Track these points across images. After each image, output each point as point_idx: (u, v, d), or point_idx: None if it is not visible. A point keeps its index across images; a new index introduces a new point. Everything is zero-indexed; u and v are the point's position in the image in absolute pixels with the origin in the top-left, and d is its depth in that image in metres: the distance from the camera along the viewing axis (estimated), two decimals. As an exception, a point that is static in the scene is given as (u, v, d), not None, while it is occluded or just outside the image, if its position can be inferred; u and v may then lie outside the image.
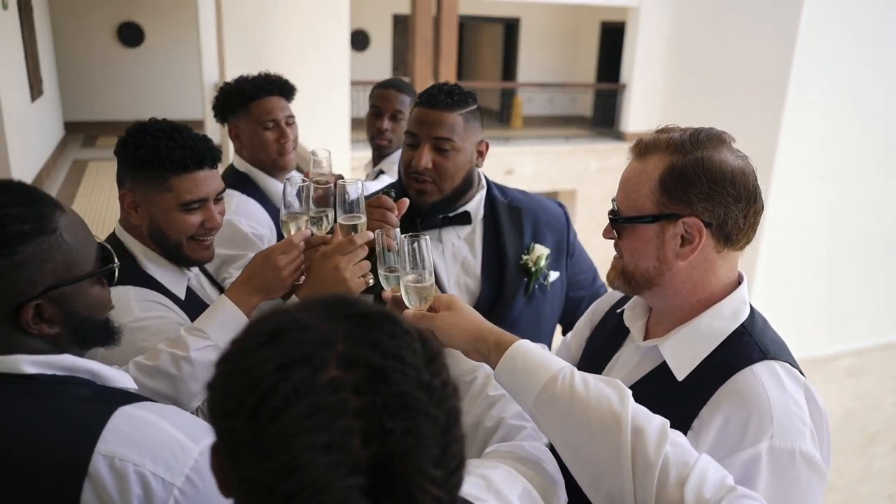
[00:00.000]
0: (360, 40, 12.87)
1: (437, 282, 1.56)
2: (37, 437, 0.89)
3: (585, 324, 1.41)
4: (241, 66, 5.39)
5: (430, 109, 1.51)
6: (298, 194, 1.38)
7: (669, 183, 1.06)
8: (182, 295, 1.48)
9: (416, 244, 1.12)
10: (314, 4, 5.34)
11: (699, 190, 1.04)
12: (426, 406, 0.58)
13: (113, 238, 1.48)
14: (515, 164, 10.86)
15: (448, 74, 10.57)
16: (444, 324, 1.09)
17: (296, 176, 1.44)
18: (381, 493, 0.55)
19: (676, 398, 1.07)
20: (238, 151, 2.14)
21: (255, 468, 0.55)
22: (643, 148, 1.12)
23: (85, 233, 0.99)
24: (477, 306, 1.57)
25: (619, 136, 11.45)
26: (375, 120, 2.47)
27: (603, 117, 11.75)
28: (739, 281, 1.13)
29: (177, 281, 1.48)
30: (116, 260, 1.04)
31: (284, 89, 2.12)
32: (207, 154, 1.40)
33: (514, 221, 1.63)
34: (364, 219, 1.32)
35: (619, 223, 1.12)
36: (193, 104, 10.28)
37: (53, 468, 0.87)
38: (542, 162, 11.09)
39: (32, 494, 0.87)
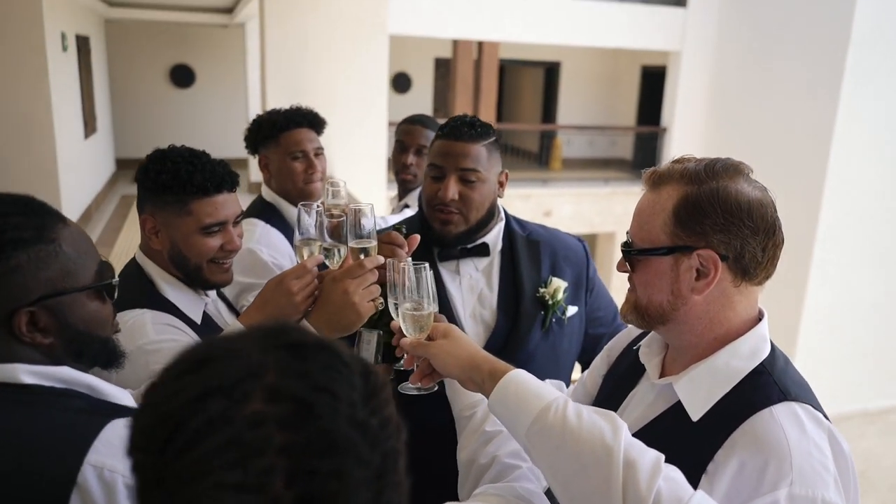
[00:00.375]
0: (401, 82, 13.14)
1: (453, 313, 1.54)
2: (29, 445, 0.89)
3: (602, 361, 1.37)
4: (281, 105, 5.55)
5: (454, 141, 1.52)
6: (314, 220, 1.39)
7: (683, 214, 1.03)
8: (198, 319, 1.49)
9: (419, 273, 1.11)
10: (355, 48, 5.48)
11: (714, 221, 1.00)
12: (357, 447, 0.54)
13: (134, 263, 1.50)
14: (554, 206, 10.84)
15: (487, 116, 10.70)
16: (439, 351, 1.08)
17: (312, 203, 1.46)
18: None
19: (691, 440, 1.02)
20: (266, 182, 2.18)
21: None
22: (657, 178, 1.09)
23: (86, 247, 1.00)
24: (492, 338, 1.56)
25: (660, 179, 11.32)
26: (400, 155, 2.48)
27: (643, 160, 11.67)
28: (760, 318, 1.08)
29: (194, 305, 1.49)
30: (117, 277, 1.04)
31: (314, 122, 2.16)
32: (226, 178, 1.42)
33: (532, 254, 1.61)
34: (374, 243, 1.31)
35: (633, 255, 1.09)
36: (239, 142, 10.57)
37: (43, 477, 0.87)
38: (582, 204, 11.04)
39: (22, 501, 0.86)
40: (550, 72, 14.01)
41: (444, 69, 13.08)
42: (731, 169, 1.05)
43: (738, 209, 1.00)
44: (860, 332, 8.94)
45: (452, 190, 1.50)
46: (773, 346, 1.07)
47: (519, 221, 1.67)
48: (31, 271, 0.93)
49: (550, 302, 1.56)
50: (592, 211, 11.11)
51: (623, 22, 10.50)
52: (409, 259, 1.18)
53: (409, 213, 2.41)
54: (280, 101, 5.62)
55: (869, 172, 8.61)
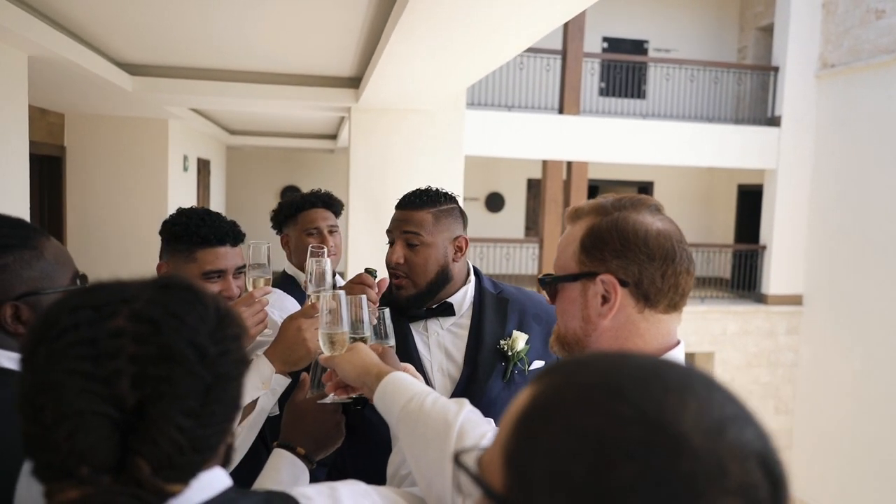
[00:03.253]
0: (495, 202, 13.61)
1: (423, 369, 1.62)
2: (4, 417, 1.02)
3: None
4: (364, 216, 5.92)
5: (401, 210, 1.65)
6: (264, 255, 1.58)
7: (588, 242, 1.09)
8: None
9: (332, 301, 1.24)
10: (434, 167, 5.84)
11: (612, 248, 1.06)
12: (190, 362, 0.65)
13: None
14: (646, 324, 10.54)
15: (577, 233, 10.79)
16: (341, 360, 1.22)
17: (260, 241, 1.65)
18: (132, 429, 0.63)
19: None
20: (288, 258, 2.39)
21: (24, 384, 0.65)
22: (574, 213, 1.17)
23: (65, 258, 1.18)
24: (456, 389, 1.61)
25: (761, 299, 10.85)
26: None
27: (742, 279, 11.27)
28: (676, 346, 1.09)
29: None
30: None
31: (329, 202, 2.39)
32: (229, 233, 1.63)
33: (499, 310, 1.66)
34: (330, 291, 1.44)
35: (546, 283, 1.15)
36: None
37: (14, 443, 0.98)
38: (676, 322, 10.67)
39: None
40: (643, 191, 14.09)
41: (536, 189, 13.48)
42: (638, 202, 1.12)
43: (634, 236, 1.06)
44: None
45: (397, 254, 1.60)
46: (687, 375, 1.08)
47: (493, 282, 1.75)
48: (16, 271, 1.09)
49: (510, 353, 1.60)
50: (689, 330, 10.69)
51: (716, 142, 10.55)
52: (338, 292, 1.30)
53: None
54: (361, 214, 6.04)
55: None
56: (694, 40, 12.68)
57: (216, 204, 10.55)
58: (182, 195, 7.74)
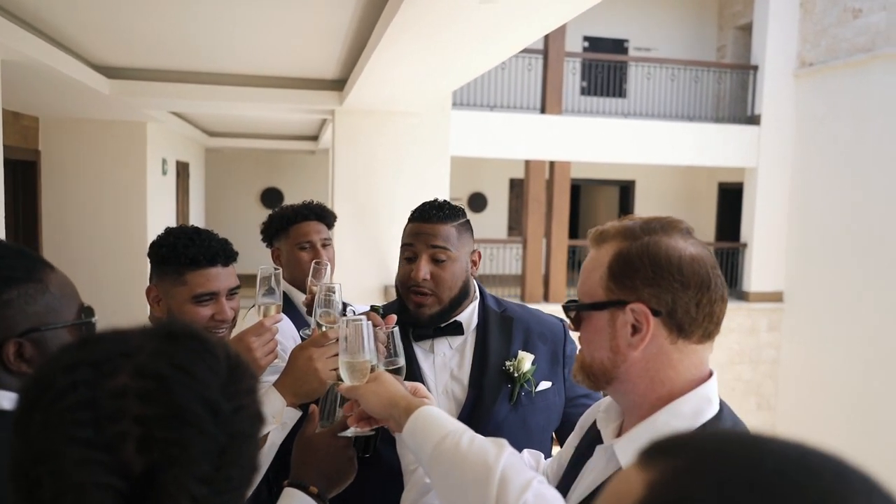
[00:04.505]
0: (478, 202, 13.57)
1: (427, 390, 1.55)
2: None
3: (575, 435, 1.33)
4: (350, 220, 5.84)
5: (424, 223, 1.57)
6: (275, 281, 1.49)
7: (616, 269, 1.03)
8: None
9: (353, 327, 1.17)
10: (420, 168, 5.76)
11: (644, 275, 1.01)
12: (203, 422, 0.58)
13: None
14: (630, 323, 10.57)
15: (560, 234, 10.80)
16: (366, 391, 1.15)
17: (269, 266, 1.56)
18: (140, 500, 0.56)
19: (631, 502, 0.97)
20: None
21: (17, 455, 0.58)
22: (599, 236, 1.11)
23: (70, 290, 1.10)
24: (462, 412, 1.55)
25: (742, 296, 10.93)
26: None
27: (724, 277, 11.32)
28: (708, 378, 1.04)
29: None
30: (96, 318, 1.14)
31: (322, 215, 2.30)
32: (220, 252, 1.54)
33: (504, 330, 1.61)
34: (345, 318, 1.37)
35: (570, 310, 1.09)
36: (319, 259, 11.11)
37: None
38: (659, 320, 10.71)
39: None
40: (625, 190, 14.13)
41: (518, 189, 13.46)
42: (668, 225, 1.06)
43: (667, 263, 1.00)
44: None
45: (424, 270, 1.53)
46: (722, 406, 1.03)
47: (496, 299, 1.69)
48: (20, 306, 1.01)
49: (516, 375, 1.54)
50: (671, 328, 10.75)
51: (696, 140, 10.60)
52: (357, 318, 1.23)
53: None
54: (346, 218, 5.95)
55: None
56: (674, 39, 12.74)
57: (195, 207, 10.38)
58: (161, 199, 7.58)
